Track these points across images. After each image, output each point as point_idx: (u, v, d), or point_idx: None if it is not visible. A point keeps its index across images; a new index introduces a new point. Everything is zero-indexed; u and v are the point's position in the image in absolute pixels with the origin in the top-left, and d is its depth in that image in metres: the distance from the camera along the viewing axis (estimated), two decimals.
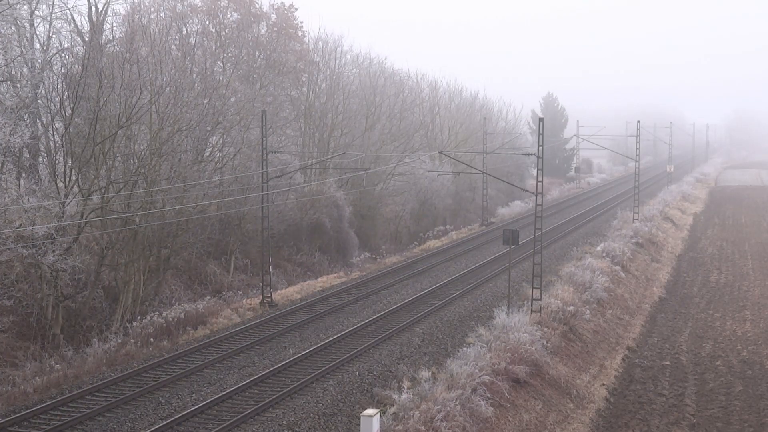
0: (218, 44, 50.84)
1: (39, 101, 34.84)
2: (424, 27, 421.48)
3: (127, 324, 32.24)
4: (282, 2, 56.66)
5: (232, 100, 44.21)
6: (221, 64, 49.44)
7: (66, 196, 31.78)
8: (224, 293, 38.95)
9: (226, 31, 52.71)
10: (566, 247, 51.86)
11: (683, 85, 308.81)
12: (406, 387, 24.30)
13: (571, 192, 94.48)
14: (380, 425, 21.13)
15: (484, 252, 50.52)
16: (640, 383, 31.24)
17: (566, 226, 61.93)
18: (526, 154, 42.26)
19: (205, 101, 39.56)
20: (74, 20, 41.19)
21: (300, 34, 57.44)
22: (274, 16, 56.53)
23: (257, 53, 53.37)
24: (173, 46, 42.62)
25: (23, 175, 34.88)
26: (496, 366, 26.57)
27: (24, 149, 34.25)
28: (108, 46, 39.47)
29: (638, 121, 69.71)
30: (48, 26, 39.11)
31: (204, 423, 22.08)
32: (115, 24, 43.67)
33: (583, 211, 71.53)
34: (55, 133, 35.28)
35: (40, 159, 37.20)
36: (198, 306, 34.09)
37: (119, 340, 29.82)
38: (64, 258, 30.81)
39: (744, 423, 27.21)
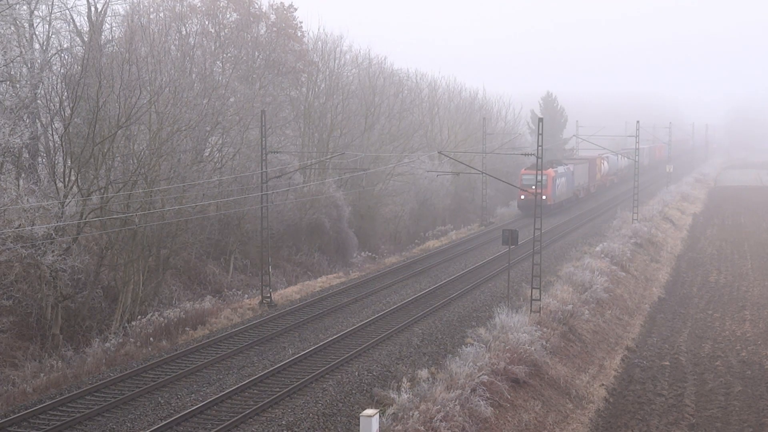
0: (217, 44, 50.84)
1: (38, 101, 34.83)
2: (424, 27, 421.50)
3: (127, 324, 32.23)
4: (281, 2, 56.68)
5: (232, 100, 44.21)
6: (220, 65, 49.44)
7: (65, 197, 31.79)
8: (224, 293, 38.96)
9: (226, 31, 52.71)
10: (566, 247, 51.87)
11: (683, 85, 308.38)
12: (405, 387, 24.32)
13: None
14: (379, 425, 21.14)
15: (483, 252, 50.52)
16: (639, 383, 31.27)
17: (566, 227, 61.94)
18: (525, 155, 42.25)
19: (205, 101, 39.57)
20: (73, 20, 41.27)
21: (299, 34, 57.44)
22: (273, 16, 56.53)
23: (256, 53, 53.38)
24: (172, 47, 42.64)
25: (22, 175, 34.87)
26: (495, 366, 26.60)
27: (23, 149, 34.25)
28: (107, 46, 39.51)
29: (637, 121, 69.71)
30: (47, 26, 39.17)
31: (203, 423, 22.09)
32: (114, 24, 43.79)
33: (582, 212, 71.54)
34: (54, 133, 35.28)
35: (40, 159, 37.23)
36: (197, 306, 34.10)
37: (119, 340, 29.82)
38: (64, 258, 30.82)
39: (743, 423, 27.23)
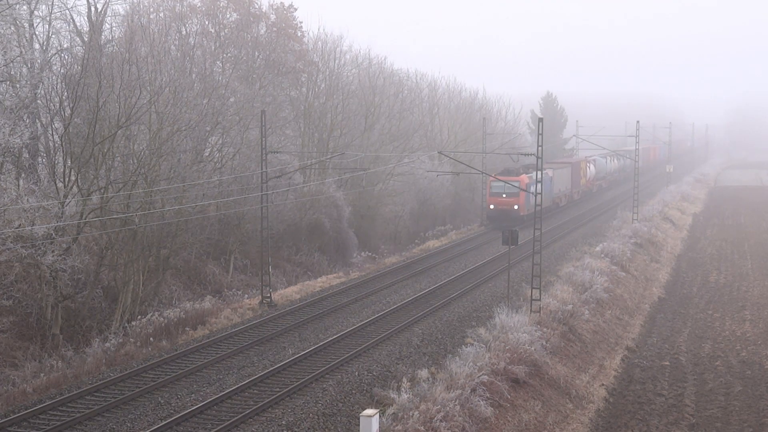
0: (217, 44, 50.86)
1: (38, 101, 34.85)
2: (424, 27, 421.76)
3: (127, 324, 32.25)
4: (281, 2, 56.70)
5: (232, 100, 44.22)
6: (220, 65, 49.46)
7: (65, 197, 31.80)
8: (224, 293, 38.96)
9: (226, 31, 52.73)
10: (566, 247, 51.86)
11: (683, 85, 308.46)
12: (405, 387, 24.32)
13: None
14: (379, 425, 21.14)
15: (483, 252, 50.52)
16: (639, 383, 31.26)
17: (566, 227, 61.89)
18: (525, 155, 42.14)
19: (205, 101, 39.58)
20: (73, 20, 41.31)
21: (299, 34, 57.47)
22: (273, 16, 56.56)
23: (256, 53, 53.40)
24: (172, 47, 42.66)
25: (22, 175, 34.89)
26: (495, 366, 26.60)
27: (23, 149, 34.26)
28: (107, 46, 39.54)
29: (637, 121, 69.69)
30: (47, 26, 39.20)
31: (203, 423, 22.09)
32: (114, 24, 43.83)
33: (582, 212, 71.51)
34: (54, 133, 35.30)
35: (40, 159, 37.23)
36: (197, 306, 34.10)
37: (119, 340, 29.82)
38: (64, 258, 30.82)
39: (743, 423, 27.23)
